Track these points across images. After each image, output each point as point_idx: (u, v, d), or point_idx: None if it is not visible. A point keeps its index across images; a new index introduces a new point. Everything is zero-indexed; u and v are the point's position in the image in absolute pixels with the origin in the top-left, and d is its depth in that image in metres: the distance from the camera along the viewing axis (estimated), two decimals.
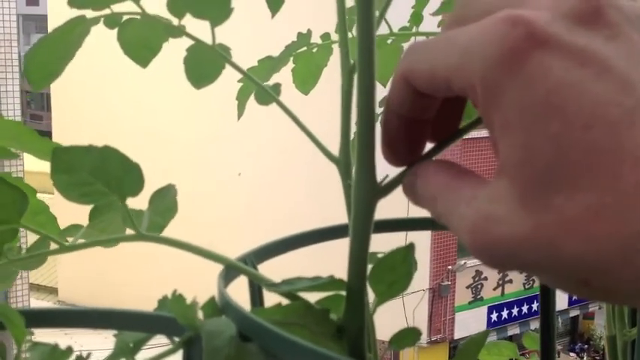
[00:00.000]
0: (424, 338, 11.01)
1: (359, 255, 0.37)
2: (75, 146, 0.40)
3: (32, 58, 0.47)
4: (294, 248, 0.48)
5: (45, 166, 0.50)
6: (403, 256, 0.39)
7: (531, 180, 0.27)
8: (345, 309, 0.38)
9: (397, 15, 0.68)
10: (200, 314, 0.34)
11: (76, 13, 0.47)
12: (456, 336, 11.70)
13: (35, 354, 0.33)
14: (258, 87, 0.51)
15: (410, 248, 0.39)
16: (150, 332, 0.36)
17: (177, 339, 0.35)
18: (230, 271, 0.41)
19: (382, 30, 0.65)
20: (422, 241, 11.91)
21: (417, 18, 0.68)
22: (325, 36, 0.65)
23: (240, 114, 0.64)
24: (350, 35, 0.46)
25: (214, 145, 12.13)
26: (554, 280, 0.28)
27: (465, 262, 12.17)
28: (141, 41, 0.49)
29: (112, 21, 0.47)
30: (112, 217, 0.46)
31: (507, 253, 0.27)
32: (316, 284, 0.37)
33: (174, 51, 0.61)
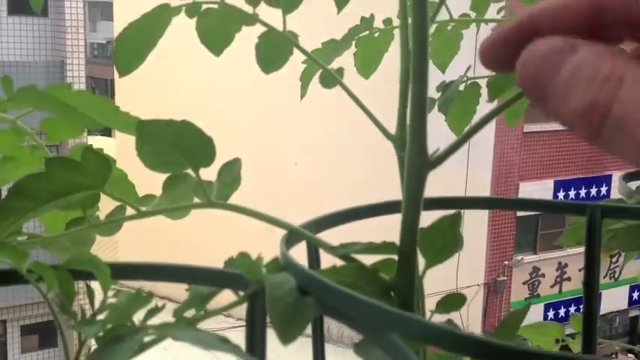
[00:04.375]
0: (477, 334, 10.90)
1: (411, 220, 0.41)
2: (157, 119, 0.44)
3: (121, 44, 0.52)
4: (350, 220, 0.52)
5: None
6: (451, 222, 0.42)
7: None
8: (397, 270, 0.41)
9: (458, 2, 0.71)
10: (264, 272, 0.38)
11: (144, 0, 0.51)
12: None
13: (121, 297, 0.37)
14: (323, 70, 0.55)
15: (457, 216, 0.42)
16: (218, 286, 0.40)
17: (242, 293, 0.39)
18: (292, 236, 0.45)
19: (443, 16, 0.67)
20: (478, 235, 11.81)
21: (479, 5, 0.71)
22: (387, 21, 0.69)
23: (302, 95, 0.68)
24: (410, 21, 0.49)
25: (271, 135, 12.26)
26: None
27: (522, 258, 12.01)
28: (217, 30, 0.54)
29: (193, 10, 0.52)
30: (182, 190, 0.51)
31: None
32: (370, 247, 0.41)
33: (234, 43, 0.65)
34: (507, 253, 12.13)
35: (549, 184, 12.30)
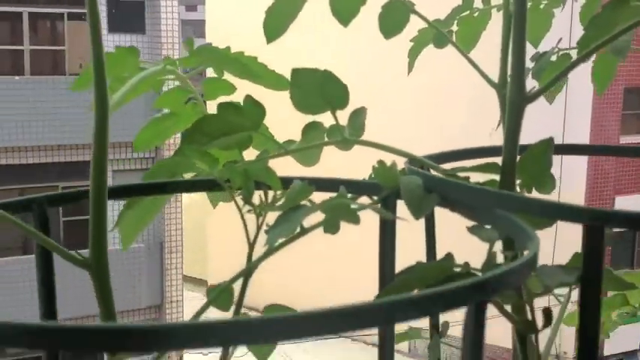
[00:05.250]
0: (571, 353, 10.65)
1: (511, 145, 0.51)
2: (305, 68, 0.56)
3: (269, 16, 0.64)
4: (459, 160, 0.62)
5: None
6: (545, 147, 0.52)
7: None
8: (499, 187, 0.51)
9: None
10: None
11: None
12: (606, 352, 11.19)
13: (294, 186, 0.49)
14: (437, 32, 0.66)
15: (549, 142, 0.52)
16: (357, 194, 0.51)
17: (375, 197, 0.50)
18: (412, 162, 0.55)
19: None
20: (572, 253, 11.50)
21: None
22: (486, 1, 0.78)
23: (410, 68, 0.79)
24: None
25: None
26: None
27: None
28: (347, 2, 0.65)
29: None
30: (316, 135, 0.62)
31: None
32: (476, 167, 0.51)
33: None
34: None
35: None
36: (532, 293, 0.44)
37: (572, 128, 11.25)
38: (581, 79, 1.12)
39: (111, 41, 11.57)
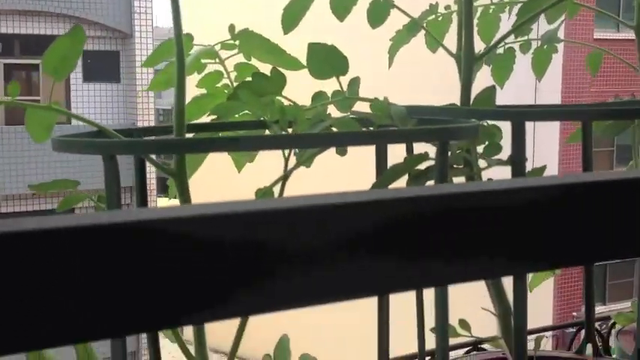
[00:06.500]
0: None
1: (466, 91, 0.72)
2: (318, 42, 0.77)
3: (286, 13, 0.86)
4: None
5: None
6: (490, 92, 0.73)
7: None
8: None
9: None
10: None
11: None
12: None
13: (315, 112, 0.70)
14: (412, 21, 0.88)
15: (493, 88, 0.74)
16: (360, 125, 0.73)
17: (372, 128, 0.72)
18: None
19: (486, 1, 1.00)
20: (544, 286, 11.73)
21: None
22: (447, 7, 1.01)
23: (390, 62, 1.01)
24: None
25: None
26: None
27: None
28: (341, 3, 0.87)
29: None
30: (322, 98, 0.83)
31: None
32: (442, 105, 0.73)
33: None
34: (576, 303, 12.03)
35: None
36: (480, 169, 0.65)
37: None
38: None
39: (86, 90, 11.75)
